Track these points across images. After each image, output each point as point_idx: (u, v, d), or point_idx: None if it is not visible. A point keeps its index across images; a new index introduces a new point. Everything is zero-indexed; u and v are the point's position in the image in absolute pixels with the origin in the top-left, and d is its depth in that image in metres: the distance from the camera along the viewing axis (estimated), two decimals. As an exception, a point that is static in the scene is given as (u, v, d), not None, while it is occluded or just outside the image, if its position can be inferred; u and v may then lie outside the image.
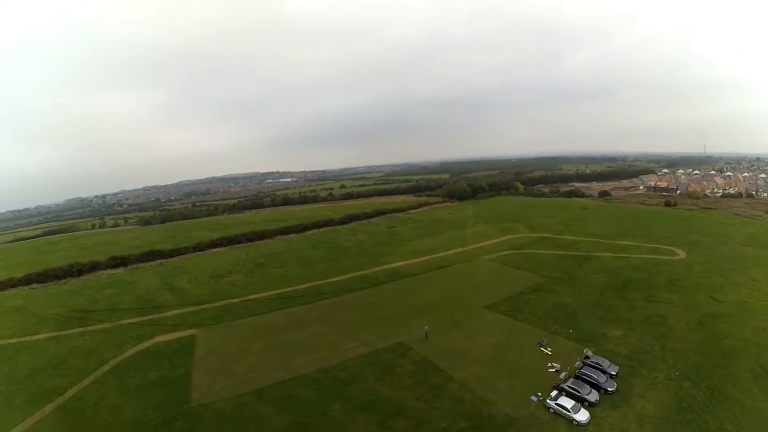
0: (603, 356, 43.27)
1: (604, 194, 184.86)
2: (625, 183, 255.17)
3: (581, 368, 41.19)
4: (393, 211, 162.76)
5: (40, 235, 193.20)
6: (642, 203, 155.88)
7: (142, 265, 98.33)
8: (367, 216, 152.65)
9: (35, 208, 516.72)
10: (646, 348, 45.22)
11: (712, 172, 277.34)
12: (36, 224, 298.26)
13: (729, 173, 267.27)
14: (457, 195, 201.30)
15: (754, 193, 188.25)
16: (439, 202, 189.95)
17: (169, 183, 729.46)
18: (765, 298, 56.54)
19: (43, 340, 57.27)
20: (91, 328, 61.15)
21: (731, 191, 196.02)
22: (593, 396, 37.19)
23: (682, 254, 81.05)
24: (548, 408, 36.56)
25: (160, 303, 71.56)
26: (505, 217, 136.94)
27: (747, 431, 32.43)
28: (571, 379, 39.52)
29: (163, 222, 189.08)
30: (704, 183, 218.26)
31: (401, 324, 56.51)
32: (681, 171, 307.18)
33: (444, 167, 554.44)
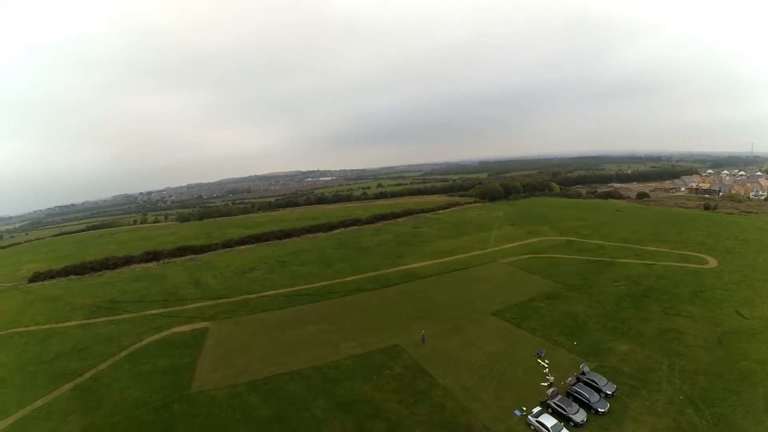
0: (603, 373, 40.65)
1: (642, 196, 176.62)
2: (667, 184, 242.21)
3: (574, 384, 38.83)
4: (421, 211, 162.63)
5: (83, 230, 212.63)
6: (680, 206, 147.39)
7: (173, 259, 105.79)
8: (395, 216, 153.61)
9: (82, 203, 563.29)
10: (652, 366, 41.75)
11: (758, 173, 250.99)
12: (82, 219, 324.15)
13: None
14: (488, 195, 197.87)
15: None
16: (469, 203, 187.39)
17: (213, 181, 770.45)
18: (801, 317, 50.33)
19: (72, 327, 63.93)
20: (117, 317, 67.32)
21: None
22: (580, 416, 35.02)
23: (712, 263, 74.25)
24: (529, 424, 35.00)
25: (183, 296, 76.83)
26: (533, 218, 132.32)
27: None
28: (560, 396, 37.41)
29: (200, 219, 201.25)
30: (748, 185, 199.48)
31: (402, 326, 56.54)
32: (726, 172, 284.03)
33: (484, 166, 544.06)
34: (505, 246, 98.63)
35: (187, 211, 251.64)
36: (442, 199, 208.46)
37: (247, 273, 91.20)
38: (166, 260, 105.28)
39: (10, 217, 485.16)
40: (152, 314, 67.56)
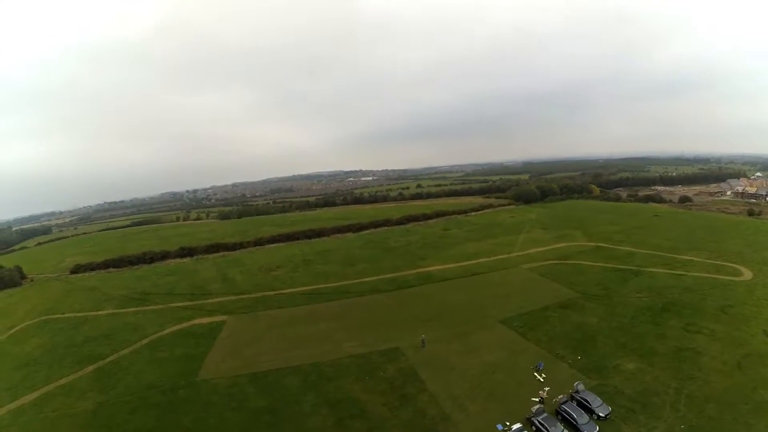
0: (602, 393, 38.12)
1: (684, 200, 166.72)
2: (712, 187, 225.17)
3: (564, 403, 36.75)
4: (453, 213, 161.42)
5: (128, 226, 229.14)
6: (723, 211, 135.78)
7: (206, 255, 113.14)
8: (426, 217, 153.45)
9: (131, 200, 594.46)
10: (658, 389, 38.39)
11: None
12: (129, 215, 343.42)
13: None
14: (524, 197, 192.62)
15: None
16: (503, 205, 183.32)
17: (257, 179, 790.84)
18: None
19: (103, 316, 71.17)
20: (145, 308, 73.95)
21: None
22: None
23: (747, 275, 67.02)
24: (507, 440, 33.91)
25: (209, 291, 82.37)
26: (566, 222, 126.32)
27: None
28: (545, 414, 35.57)
29: (239, 217, 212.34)
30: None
31: (407, 329, 56.75)
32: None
33: (527, 167, 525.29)
34: (531, 250, 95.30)
35: (227, 209, 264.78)
36: (477, 200, 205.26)
37: (272, 270, 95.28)
38: (200, 256, 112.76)
39: (61, 212, 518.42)
40: (177, 306, 73.33)
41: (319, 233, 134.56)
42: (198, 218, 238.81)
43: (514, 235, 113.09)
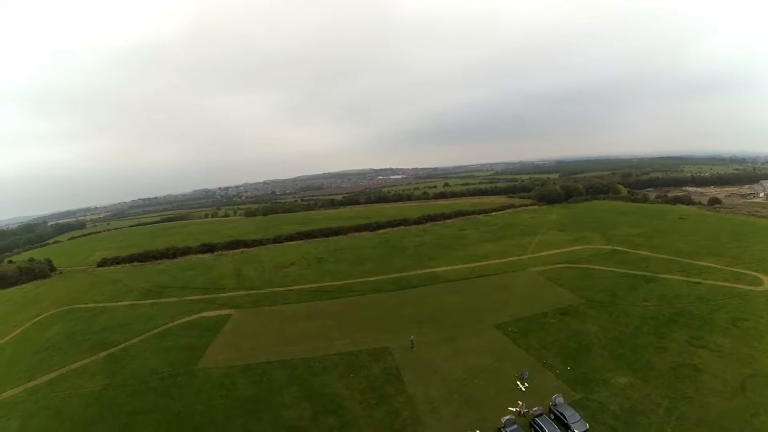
0: (585, 408, 36.38)
1: (713, 202, 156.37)
2: (744, 189, 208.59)
3: (538, 416, 35.31)
4: (473, 212, 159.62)
5: (158, 222, 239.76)
6: (753, 214, 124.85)
7: (226, 252, 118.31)
8: (445, 217, 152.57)
9: (164, 197, 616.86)
10: (647, 408, 35.95)
11: None
12: (161, 211, 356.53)
13: None
14: (547, 198, 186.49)
15: None
16: (526, 205, 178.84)
17: (288, 177, 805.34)
18: None
19: (122, 306, 76.80)
20: (161, 300, 79.08)
21: None
22: None
23: (767, 284, 61.11)
24: (473, 449, 33.37)
25: (222, 285, 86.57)
26: (586, 224, 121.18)
27: None
28: (515, 427, 34.41)
29: (265, 215, 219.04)
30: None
31: (400, 330, 57.06)
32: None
33: (558, 166, 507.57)
34: (544, 253, 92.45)
35: (254, 206, 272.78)
36: (500, 200, 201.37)
37: (285, 268, 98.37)
38: (220, 252, 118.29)
39: (97, 208, 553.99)
40: (191, 300, 77.87)
41: (336, 232, 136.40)
42: (226, 215, 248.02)
43: (529, 237, 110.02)
